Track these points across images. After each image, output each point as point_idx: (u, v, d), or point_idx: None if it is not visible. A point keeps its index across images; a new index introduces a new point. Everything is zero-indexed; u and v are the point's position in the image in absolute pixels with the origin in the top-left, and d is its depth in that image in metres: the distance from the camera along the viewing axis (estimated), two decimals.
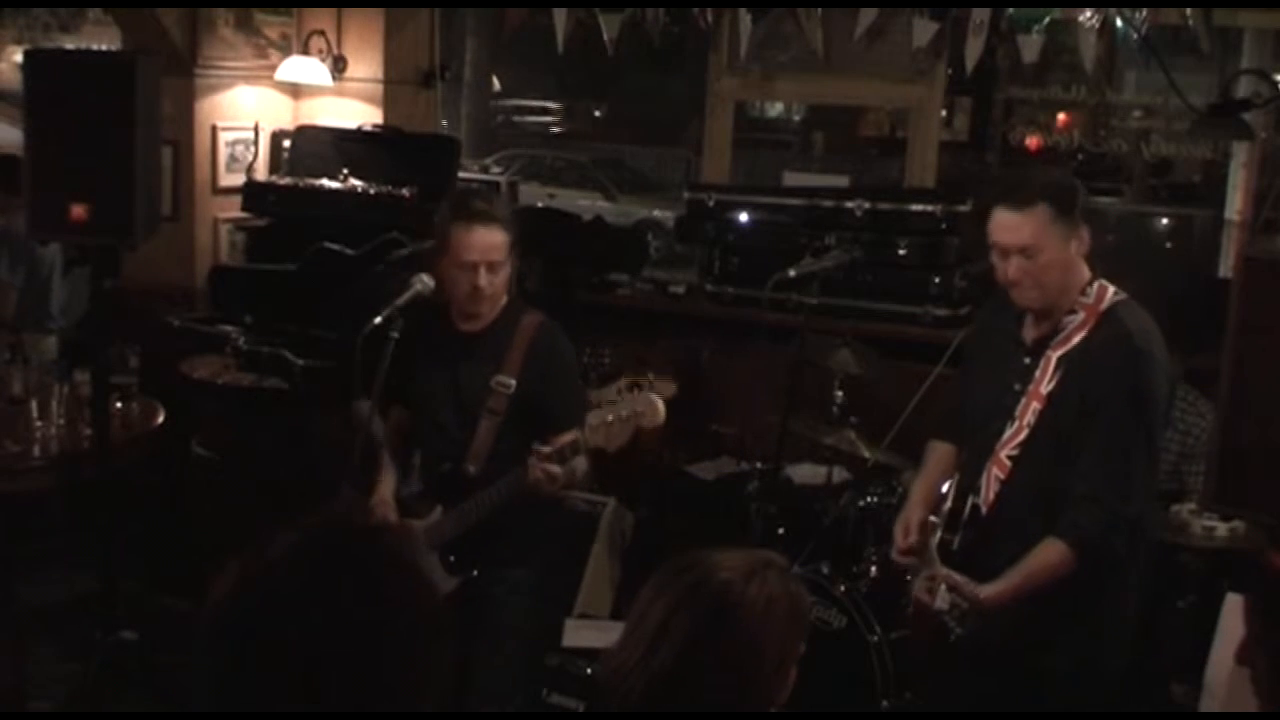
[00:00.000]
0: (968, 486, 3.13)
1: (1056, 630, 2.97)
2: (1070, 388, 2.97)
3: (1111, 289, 3.04)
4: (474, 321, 3.40)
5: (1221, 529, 3.87)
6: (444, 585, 3.31)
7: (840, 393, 4.54)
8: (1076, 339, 2.99)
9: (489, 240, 3.28)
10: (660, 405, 3.11)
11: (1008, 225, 2.96)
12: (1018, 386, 3.05)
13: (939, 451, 3.35)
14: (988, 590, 2.87)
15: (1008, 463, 3.03)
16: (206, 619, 1.40)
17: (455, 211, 3.35)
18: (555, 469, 3.18)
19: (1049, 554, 2.90)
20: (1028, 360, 3.06)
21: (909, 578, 3.24)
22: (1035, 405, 3.00)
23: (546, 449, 3.18)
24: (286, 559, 1.42)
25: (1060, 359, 2.99)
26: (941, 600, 2.89)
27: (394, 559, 1.46)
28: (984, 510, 3.07)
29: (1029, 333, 3.10)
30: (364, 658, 1.38)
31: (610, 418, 3.13)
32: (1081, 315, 3.00)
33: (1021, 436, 3.01)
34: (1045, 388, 2.99)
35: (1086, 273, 3.03)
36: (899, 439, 4.39)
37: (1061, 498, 2.95)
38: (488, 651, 3.37)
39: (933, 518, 3.17)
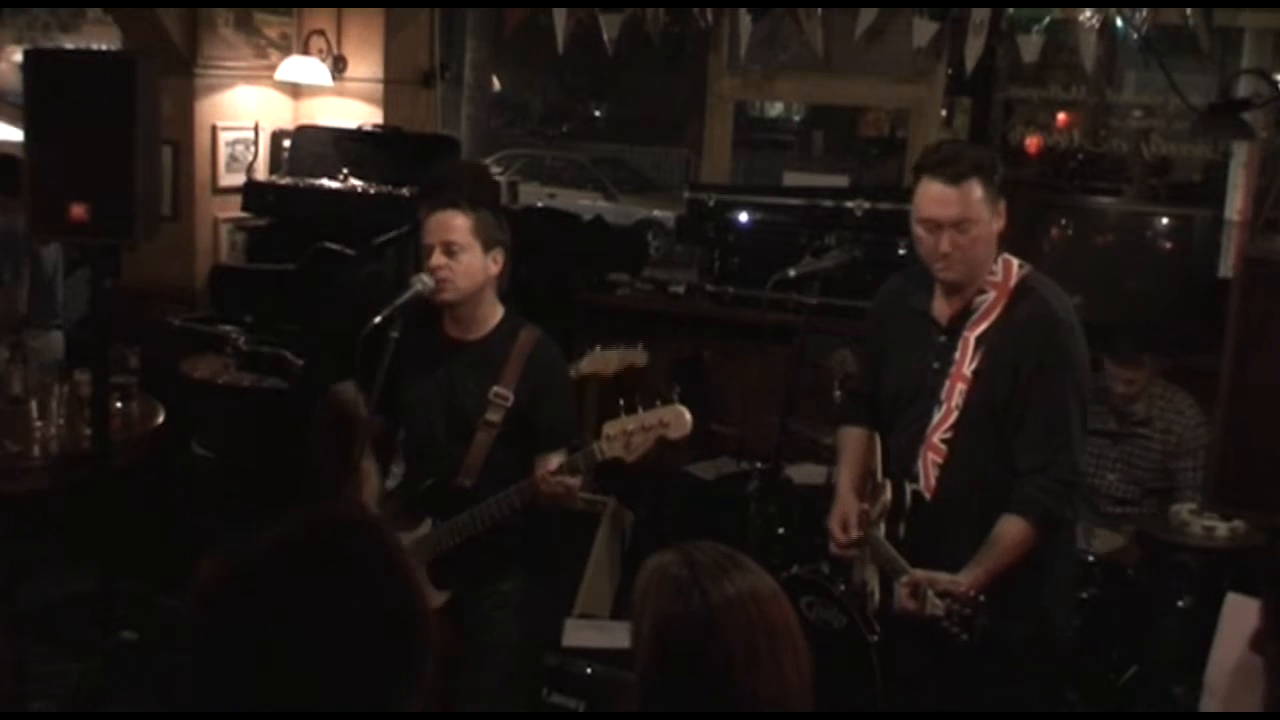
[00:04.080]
0: (902, 474, 3.12)
1: (1011, 598, 2.96)
2: (996, 365, 2.99)
3: (1016, 262, 3.05)
4: (467, 328, 3.35)
5: (1221, 529, 3.87)
6: (433, 600, 3.27)
7: (840, 393, 4.53)
8: (993, 317, 3.01)
9: (444, 221, 3.25)
10: (687, 416, 3.09)
11: (943, 198, 2.93)
12: (936, 365, 3.06)
13: (854, 437, 3.33)
14: (965, 579, 2.87)
15: (943, 446, 3.04)
16: (193, 614, 1.40)
17: (424, 200, 3.38)
18: (573, 481, 3.17)
19: (1013, 531, 2.92)
20: (943, 339, 3.07)
21: (853, 565, 3.25)
22: (961, 386, 3.01)
23: (557, 465, 3.17)
24: (276, 551, 1.42)
25: (979, 339, 3.01)
26: (933, 607, 2.86)
27: (385, 553, 1.46)
28: (926, 496, 3.07)
29: (941, 310, 3.10)
30: (352, 652, 1.37)
31: (631, 427, 3.10)
32: (993, 294, 3.02)
33: (953, 418, 3.02)
34: (968, 368, 3.01)
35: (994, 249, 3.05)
36: None
37: (1003, 473, 2.98)
38: (478, 666, 3.33)
39: (865, 506, 3.15)
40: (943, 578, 2.88)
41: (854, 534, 3.15)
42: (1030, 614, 3.04)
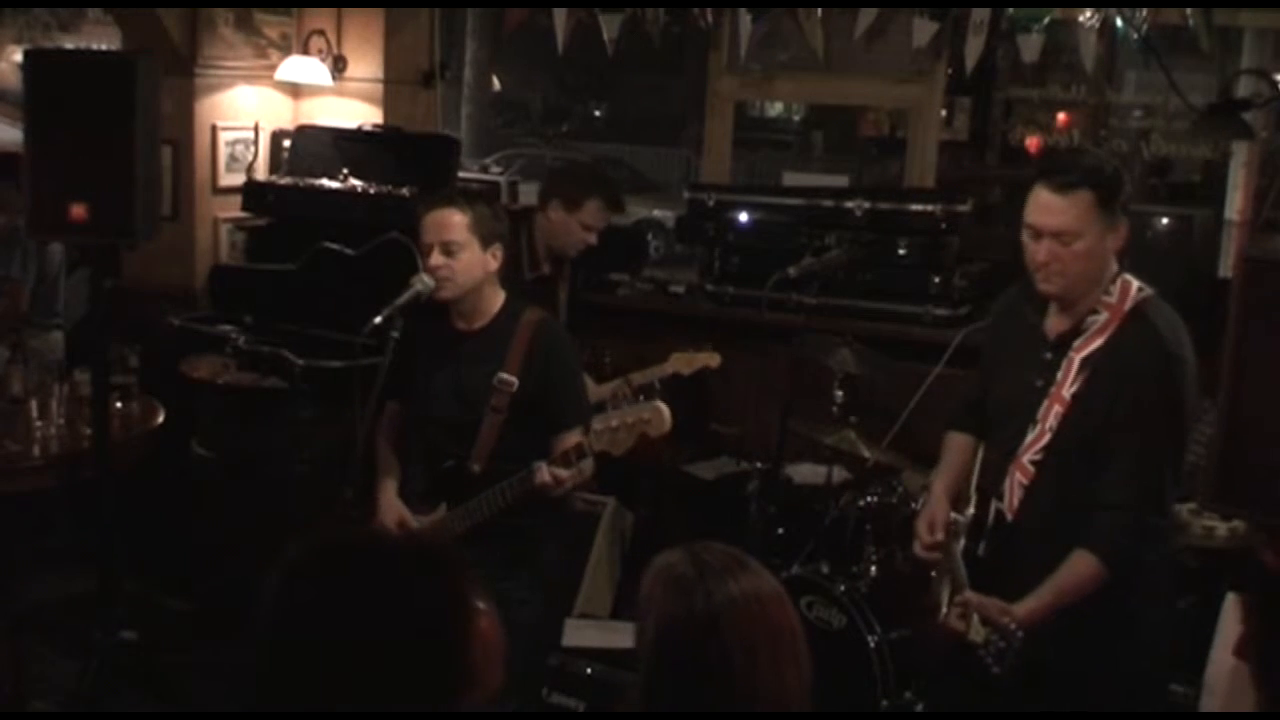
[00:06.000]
0: (991, 490, 3.06)
1: (1085, 639, 2.88)
2: (1096, 392, 2.88)
3: (1136, 284, 2.94)
4: (470, 319, 3.41)
5: (1221, 529, 3.87)
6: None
7: (840, 393, 4.54)
8: (1100, 340, 2.90)
9: (440, 220, 3.30)
10: (667, 414, 3.13)
11: (1047, 206, 2.86)
12: (1039, 383, 2.97)
13: (957, 443, 3.28)
14: (1020, 611, 2.80)
15: (1031, 468, 2.95)
16: (257, 628, 1.43)
17: (421, 201, 3.43)
18: (563, 473, 3.22)
19: (1081, 567, 2.82)
20: (1049, 355, 2.97)
21: (932, 574, 3.19)
22: (1058, 409, 2.92)
23: (553, 455, 3.22)
24: (337, 571, 1.45)
25: (1084, 361, 2.90)
26: (976, 633, 2.82)
27: (450, 574, 1.48)
28: (1009, 516, 3.00)
29: (1051, 326, 3.00)
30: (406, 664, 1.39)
31: (615, 423, 3.15)
32: (1105, 316, 2.91)
33: (1045, 440, 2.93)
34: (1068, 390, 2.90)
35: (1114, 267, 2.94)
36: (899, 439, 4.39)
37: (1087, 505, 2.87)
38: (510, 646, 3.37)
39: (956, 516, 3.11)
40: (993, 605, 2.82)
41: (938, 536, 3.09)
42: (1104, 657, 2.92)
